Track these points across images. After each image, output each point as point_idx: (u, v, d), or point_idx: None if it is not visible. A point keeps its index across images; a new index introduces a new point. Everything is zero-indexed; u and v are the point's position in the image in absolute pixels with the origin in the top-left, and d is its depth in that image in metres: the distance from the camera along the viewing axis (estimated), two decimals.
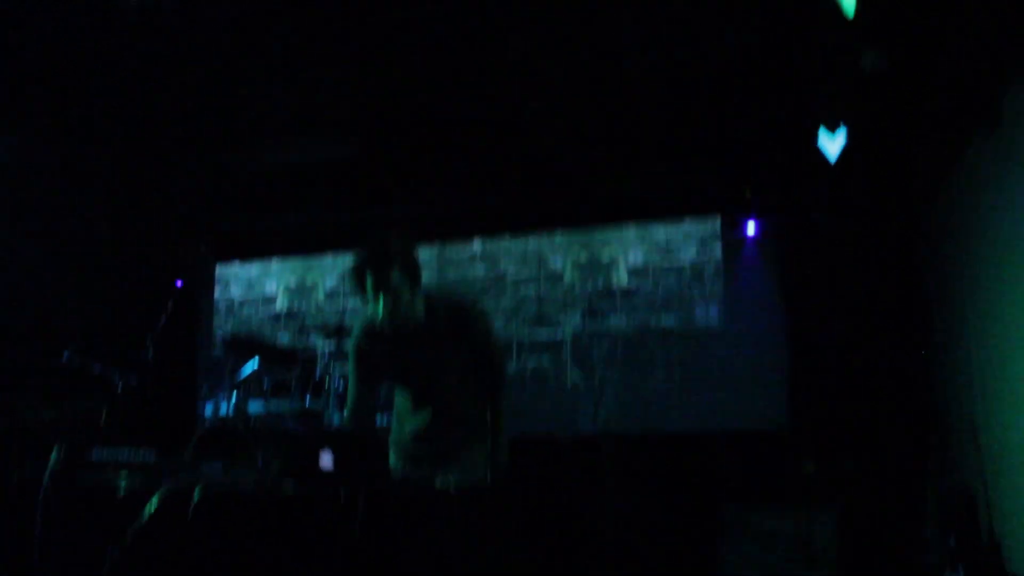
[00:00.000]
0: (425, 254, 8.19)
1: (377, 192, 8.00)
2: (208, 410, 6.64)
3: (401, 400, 3.97)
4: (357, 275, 3.60)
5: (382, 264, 3.51)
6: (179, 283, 8.62)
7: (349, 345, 3.97)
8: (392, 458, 3.95)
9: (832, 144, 5.58)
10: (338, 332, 6.38)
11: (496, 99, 6.57)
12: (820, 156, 5.71)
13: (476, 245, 8.12)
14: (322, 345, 7.52)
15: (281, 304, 8.66)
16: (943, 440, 5.90)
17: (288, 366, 6.45)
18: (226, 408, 6.41)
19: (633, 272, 7.58)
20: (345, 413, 3.96)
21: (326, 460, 3.03)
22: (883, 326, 6.76)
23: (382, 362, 3.85)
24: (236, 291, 8.93)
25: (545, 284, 7.81)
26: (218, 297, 8.96)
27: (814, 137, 5.67)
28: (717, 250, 7.43)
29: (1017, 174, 4.27)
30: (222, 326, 8.81)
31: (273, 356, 6.40)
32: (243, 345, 6.51)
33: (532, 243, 7.94)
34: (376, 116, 6.89)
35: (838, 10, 4.15)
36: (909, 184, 6.49)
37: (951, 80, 5.04)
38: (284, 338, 8.50)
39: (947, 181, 5.81)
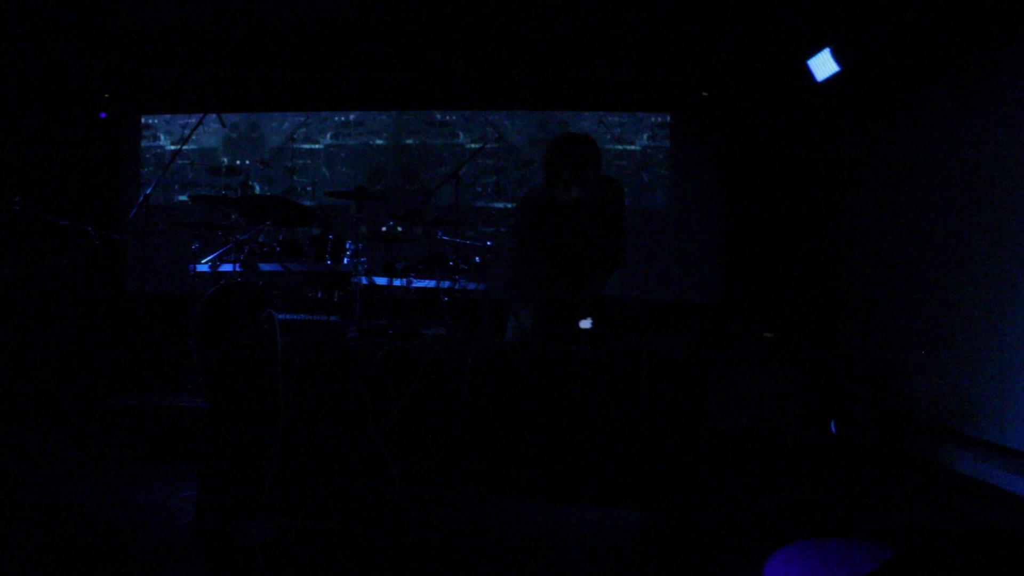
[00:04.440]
0: (383, 119, 8.38)
1: (334, 55, 7.98)
2: (203, 268, 6.58)
3: (545, 263, 4.46)
4: (556, 162, 4.13)
5: (583, 161, 4.11)
6: (103, 115, 8.35)
7: (516, 216, 4.46)
8: (521, 316, 4.47)
9: (823, 67, 6.43)
10: (359, 193, 6.47)
11: None
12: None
13: (436, 115, 8.36)
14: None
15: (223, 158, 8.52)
16: (851, 315, 7.22)
17: (304, 224, 6.58)
18: (232, 267, 6.47)
19: None
20: (511, 275, 4.42)
21: (586, 323, 3.58)
22: (803, 221, 7.88)
23: (543, 230, 4.39)
24: (167, 143, 8.65)
25: (505, 156, 8.26)
26: (145, 147, 8.66)
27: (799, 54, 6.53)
28: (666, 140, 8.20)
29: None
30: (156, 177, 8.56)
31: (291, 214, 6.47)
32: (253, 203, 6.52)
33: (492, 117, 8.30)
34: None
35: None
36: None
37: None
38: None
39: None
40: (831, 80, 6.41)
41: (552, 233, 4.37)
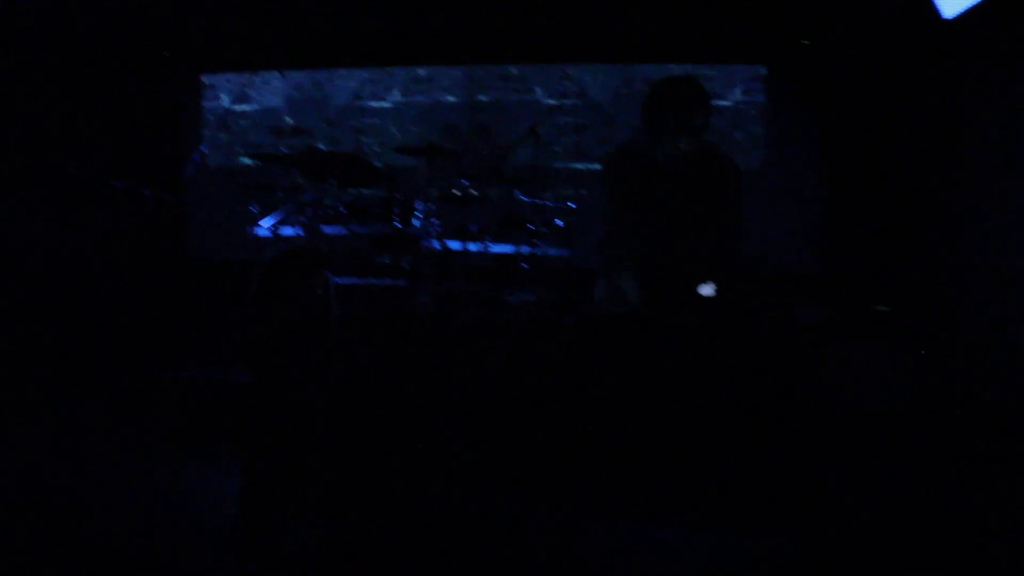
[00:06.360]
0: (455, 74, 7.84)
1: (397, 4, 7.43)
2: (263, 232, 6.13)
3: (639, 226, 3.87)
4: (659, 108, 3.58)
5: (694, 105, 3.54)
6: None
7: (604, 171, 3.89)
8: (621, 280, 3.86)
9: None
10: (429, 151, 5.94)
11: None
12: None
13: (511, 69, 7.77)
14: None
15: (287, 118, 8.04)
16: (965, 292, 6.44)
17: (370, 185, 6.10)
18: (294, 231, 6.03)
19: None
20: (602, 234, 3.85)
21: (707, 289, 3.02)
22: (915, 177, 7.10)
23: (637, 189, 3.80)
24: (228, 102, 8.23)
25: (586, 114, 7.63)
26: (207, 106, 8.26)
27: None
28: (761, 95, 7.48)
29: None
30: (214, 138, 8.16)
31: (355, 173, 6.00)
32: (313, 161, 6.04)
33: (572, 71, 7.67)
34: None
35: None
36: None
37: None
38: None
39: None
40: (963, 18, 5.63)
41: (650, 192, 3.79)
